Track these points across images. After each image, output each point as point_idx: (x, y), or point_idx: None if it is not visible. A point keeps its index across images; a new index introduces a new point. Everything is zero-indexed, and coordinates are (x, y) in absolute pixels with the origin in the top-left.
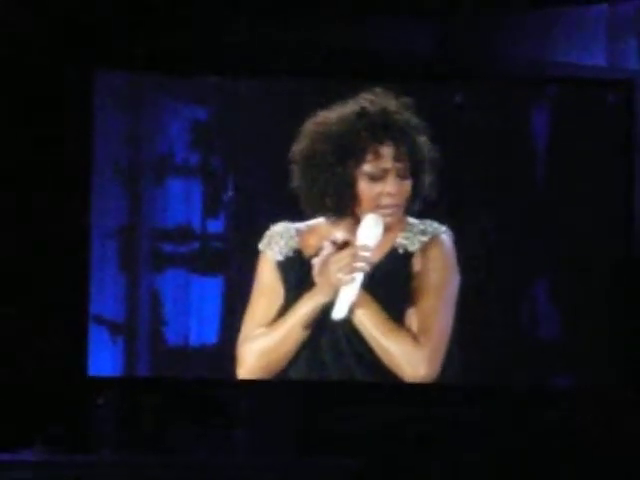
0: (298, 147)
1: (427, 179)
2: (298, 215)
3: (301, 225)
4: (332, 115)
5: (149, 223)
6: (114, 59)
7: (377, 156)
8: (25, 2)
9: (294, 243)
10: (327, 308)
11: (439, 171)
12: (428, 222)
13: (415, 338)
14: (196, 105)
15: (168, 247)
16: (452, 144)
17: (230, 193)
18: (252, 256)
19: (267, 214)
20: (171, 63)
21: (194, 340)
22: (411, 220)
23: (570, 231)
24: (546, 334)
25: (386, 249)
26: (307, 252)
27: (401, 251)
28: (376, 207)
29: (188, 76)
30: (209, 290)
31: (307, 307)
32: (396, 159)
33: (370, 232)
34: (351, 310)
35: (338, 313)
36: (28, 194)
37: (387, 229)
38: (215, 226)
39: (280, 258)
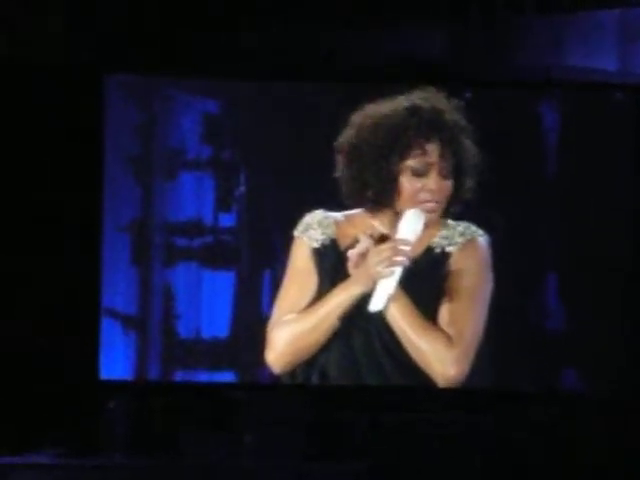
0: (344, 137)
1: (468, 182)
2: (311, 208)
3: (339, 215)
4: (382, 109)
5: (161, 217)
6: (125, 60)
7: (423, 152)
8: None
9: (331, 232)
10: (361, 300)
11: (479, 176)
12: (466, 224)
13: (448, 338)
14: (208, 98)
15: (180, 241)
16: None
17: (242, 187)
18: (263, 250)
19: (278, 208)
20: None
21: (206, 333)
22: (450, 221)
23: (580, 228)
24: (554, 329)
25: (423, 246)
26: (343, 242)
27: (438, 250)
28: (416, 202)
29: (200, 71)
30: (221, 284)
31: (341, 297)
32: (441, 157)
33: (411, 227)
34: (387, 303)
35: (375, 305)
36: (41, 189)
37: (426, 226)
38: (227, 220)
39: (316, 245)
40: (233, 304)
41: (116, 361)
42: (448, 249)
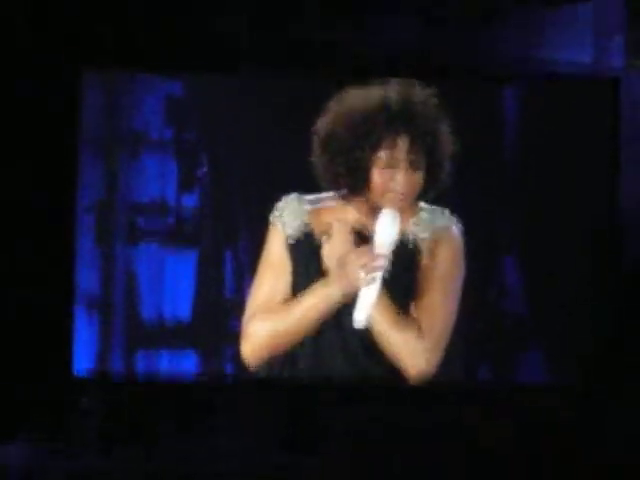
0: (321, 123)
1: (442, 172)
2: (274, 192)
3: (313, 198)
4: (356, 99)
5: (124, 198)
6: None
7: (392, 145)
8: None
9: (305, 218)
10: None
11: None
12: (439, 210)
13: (419, 330)
14: (171, 80)
15: (143, 221)
16: None
17: (204, 168)
18: (226, 231)
19: (241, 190)
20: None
21: (168, 313)
22: (423, 205)
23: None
24: (514, 311)
25: None
26: (318, 230)
27: (411, 237)
28: (386, 192)
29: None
30: (183, 264)
31: (319, 298)
32: (410, 151)
33: (387, 229)
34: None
35: (358, 317)
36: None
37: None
38: (189, 201)
39: (290, 232)
40: (195, 284)
41: (79, 341)
42: (420, 237)
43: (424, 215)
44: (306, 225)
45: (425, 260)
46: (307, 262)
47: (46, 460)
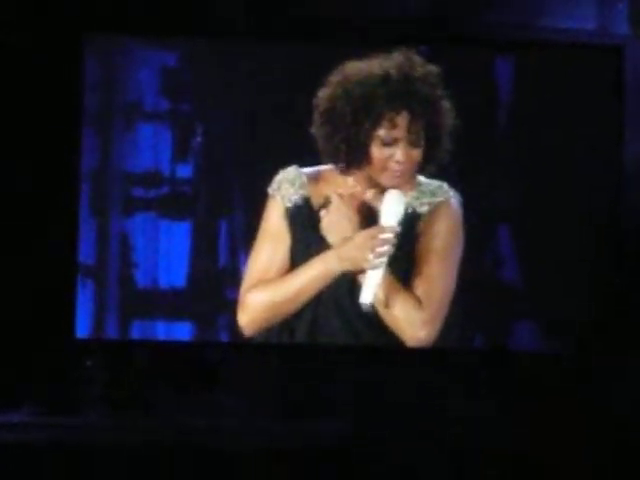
0: (321, 95)
1: (442, 148)
2: (269, 164)
3: (312, 171)
4: (356, 73)
5: (119, 168)
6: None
7: (392, 124)
8: None
9: (304, 191)
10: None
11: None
12: (438, 183)
13: (417, 300)
14: (166, 52)
15: (138, 191)
16: None
17: (198, 139)
18: (220, 201)
19: (236, 161)
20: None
21: (163, 282)
22: (422, 179)
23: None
24: (508, 280)
25: None
26: (317, 201)
27: (409, 211)
28: (384, 169)
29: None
30: (178, 234)
31: (319, 271)
32: (409, 129)
33: (392, 210)
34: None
35: (365, 298)
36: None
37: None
38: (184, 171)
39: (289, 205)
40: (190, 254)
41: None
42: (419, 210)
43: (423, 189)
44: (304, 198)
45: (424, 232)
46: (306, 234)
47: (49, 426)
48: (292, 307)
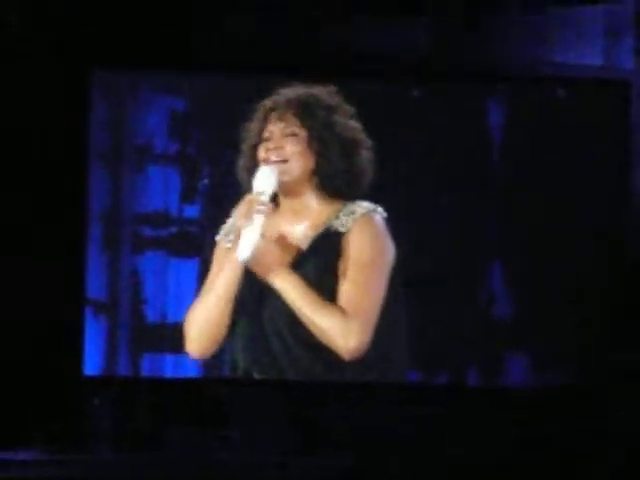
0: None
1: (334, 156)
2: None
3: None
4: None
5: (130, 208)
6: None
7: (270, 134)
8: None
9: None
10: (257, 292)
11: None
12: (364, 203)
13: (343, 312)
14: (174, 96)
15: (148, 231)
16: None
17: (205, 181)
18: None
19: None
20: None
21: (171, 317)
22: (347, 203)
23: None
24: (501, 315)
25: (320, 229)
26: None
27: (332, 230)
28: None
29: (166, 68)
30: (185, 271)
31: (228, 265)
32: (285, 126)
33: (264, 180)
34: (254, 252)
35: (241, 254)
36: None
37: (323, 209)
38: (191, 211)
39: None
40: (197, 290)
41: (88, 343)
42: (341, 230)
43: (345, 211)
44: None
45: (345, 248)
46: None
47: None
48: (220, 314)
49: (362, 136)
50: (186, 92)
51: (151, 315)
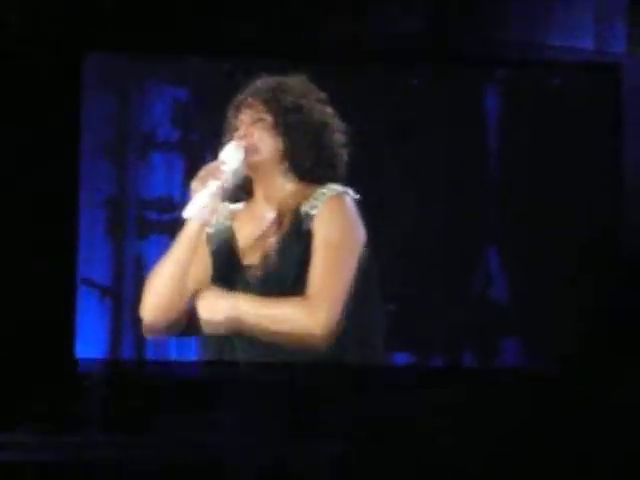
0: None
1: (302, 140)
2: None
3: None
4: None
5: (134, 194)
6: (101, 41)
7: (240, 122)
8: None
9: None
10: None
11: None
12: (332, 186)
13: (302, 299)
14: (177, 86)
15: (152, 215)
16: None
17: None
18: None
19: None
20: (154, 46)
21: None
22: (319, 187)
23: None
24: (497, 299)
25: (291, 214)
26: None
27: (303, 214)
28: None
29: (169, 58)
30: None
31: (190, 228)
32: (252, 113)
33: (229, 153)
34: (201, 213)
35: (187, 211)
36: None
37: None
38: None
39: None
40: None
41: (92, 327)
42: (311, 212)
43: (316, 195)
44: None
45: (314, 229)
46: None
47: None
48: (176, 278)
49: (333, 120)
50: (188, 82)
51: None
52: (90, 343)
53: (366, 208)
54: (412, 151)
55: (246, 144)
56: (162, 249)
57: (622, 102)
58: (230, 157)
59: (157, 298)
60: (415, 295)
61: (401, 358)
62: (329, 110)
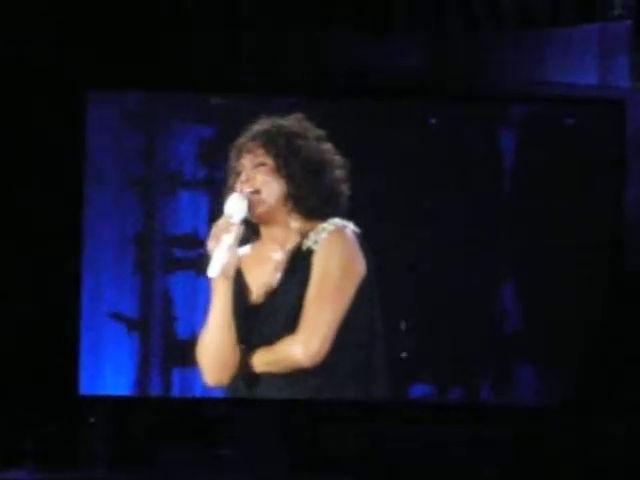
0: None
1: (302, 179)
2: None
3: None
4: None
5: (161, 230)
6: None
7: (242, 167)
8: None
9: None
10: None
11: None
12: (333, 220)
13: (296, 333)
14: (202, 124)
15: (178, 252)
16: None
17: None
18: None
19: None
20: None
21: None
22: (320, 222)
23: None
24: (513, 332)
25: (294, 248)
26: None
27: (304, 249)
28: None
29: (194, 96)
30: None
31: (219, 288)
32: (252, 157)
33: (234, 206)
34: (224, 269)
35: (211, 271)
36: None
37: (276, 224)
38: None
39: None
40: None
41: (121, 359)
42: (313, 247)
43: (318, 229)
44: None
45: (314, 263)
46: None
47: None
48: (222, 337)
49: (332, 156)
50: (213, 119)
51: (181, 331)
52: (118, 375)
53: (377, 240)
54: (427, 185)
55: (249, 190)
56: (188, 284)
57: (625, 136)
58: (236, 209)
59: (217, 363)
60: (430, 324)
61: (417, 390)
62: (327, 147)
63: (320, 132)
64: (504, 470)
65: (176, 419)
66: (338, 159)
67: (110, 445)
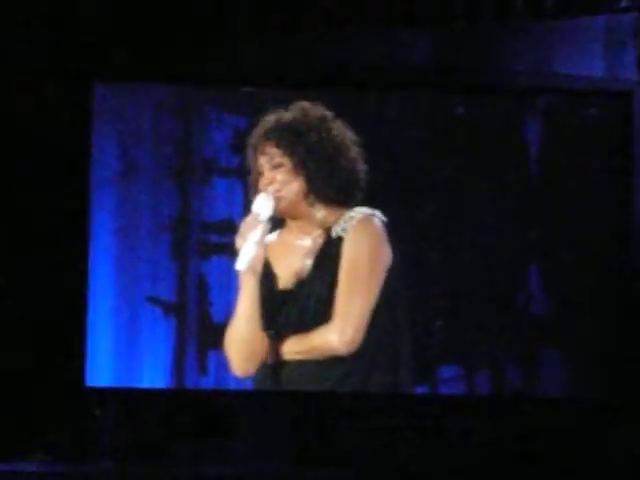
0: None
1: (320, 174)
2: None
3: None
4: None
5: (198, 217)
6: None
7: (261, 167)
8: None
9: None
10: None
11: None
12: (360, 209)
13: (331, 322)
14: (237, 115)
15: (213, 238)
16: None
17: None
18: None
19: None
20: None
21: None
22: (348, 210)
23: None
24: (539, 317)
25: (322, 238)
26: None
27: (334, 236)
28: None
29: (227, 88)
30: None
31: (245, 284)
32: (269, 159)
33: (261, 205)
34: (251, 263)
35: (238, 265)
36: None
37: (300, 217)
38: None
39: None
40: None
41: (158, 342)
42: (342, 234)
43: (346, 217)
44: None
45: (344, 251)
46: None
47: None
48: (252, 329)
49: (344, 136)
50: (247, 110)
51: (217, 316)
52: (155, 359)
53: (404, 229)
54: (454, 174)
55: (272, 189)
56: (223, 269)
57: (632, 128)
58: (263, 208)
59: (244, 354)
60: (459, 310)
61: (445, 372)
62: (337, 125)
63: (326, 113)
64: (525, 465)
65: (185, 411)
66: (350, 136)
67: (119, 437)
